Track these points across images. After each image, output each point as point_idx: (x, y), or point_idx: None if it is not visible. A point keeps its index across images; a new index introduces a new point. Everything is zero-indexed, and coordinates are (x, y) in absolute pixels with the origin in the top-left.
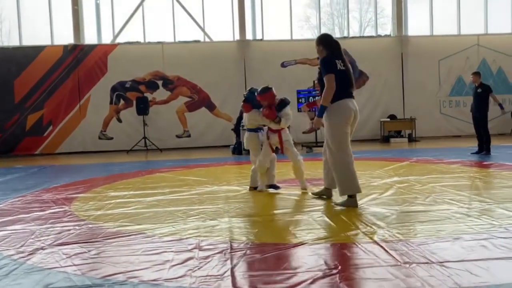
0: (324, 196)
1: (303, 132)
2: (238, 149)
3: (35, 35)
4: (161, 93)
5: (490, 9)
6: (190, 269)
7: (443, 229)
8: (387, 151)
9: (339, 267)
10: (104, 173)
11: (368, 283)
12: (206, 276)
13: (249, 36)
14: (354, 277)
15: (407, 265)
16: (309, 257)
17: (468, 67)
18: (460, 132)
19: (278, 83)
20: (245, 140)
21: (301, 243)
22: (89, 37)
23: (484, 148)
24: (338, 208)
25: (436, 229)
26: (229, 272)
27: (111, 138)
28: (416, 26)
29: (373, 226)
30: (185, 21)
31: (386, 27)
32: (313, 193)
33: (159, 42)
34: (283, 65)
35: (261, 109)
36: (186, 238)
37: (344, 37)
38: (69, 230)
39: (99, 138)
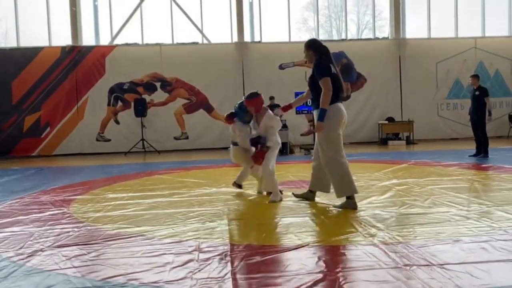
0: (306, 199)
1: (301, 135)
2: None
3: (33, 36)
4: (159, 95)
5: (487, 12)
6: (191, 271)
7: (442, 232)
8: (385, 154)
9: (340, 270)
10: (102, 175)
11: (369, 286)
12: (207, 278)
13: (247, 38)
14: (355, 279)
15: (408, 267)
16: (310, 260)
17: (466, 69)
18: (457, 135)
19: (276, 85)
20: (231, 155)
21: (302, 245)
22: (87, 39)
23: (482, 151)
24: (338, 210)
25: (435, 232)
26: (229, 275)
27: (109, 140)
28: (414, 29)
29: (373, 229)
30: (183, 22)
31: (384, 30)
32: (295, 195)
33: (157, 44)
34: (281, 67)
35: (248, 123)
36: (186, 240)
37: (342, 40)
38: (68, 232)
39: (97, 140)
